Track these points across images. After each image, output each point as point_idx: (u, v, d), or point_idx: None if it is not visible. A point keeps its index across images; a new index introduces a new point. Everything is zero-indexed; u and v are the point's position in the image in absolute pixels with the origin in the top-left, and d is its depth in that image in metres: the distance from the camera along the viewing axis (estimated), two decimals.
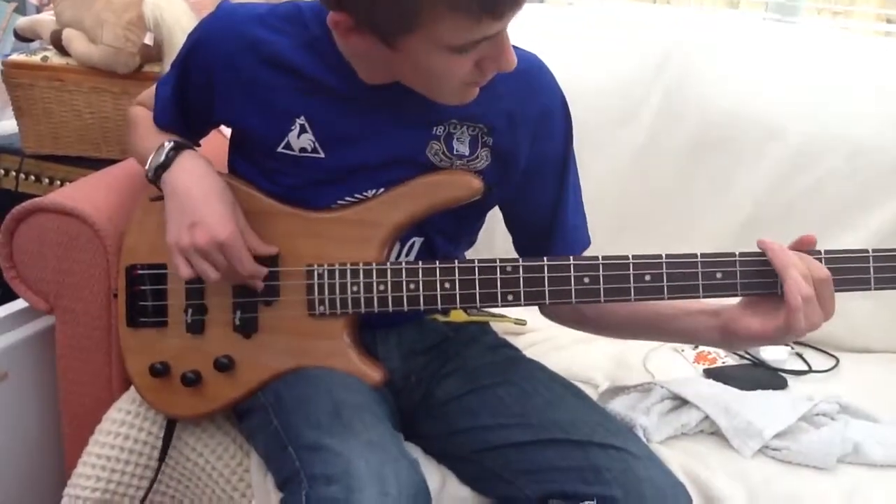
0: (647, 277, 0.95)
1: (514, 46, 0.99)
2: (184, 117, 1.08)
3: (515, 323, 1.32)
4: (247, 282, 1.01)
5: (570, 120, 1.06)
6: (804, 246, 0.94)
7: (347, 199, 1.03)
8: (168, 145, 1.02)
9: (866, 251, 0.95)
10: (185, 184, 0.99)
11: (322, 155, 1.01)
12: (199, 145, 1.12)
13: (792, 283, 0.90)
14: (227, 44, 0.99)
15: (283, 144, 1.01)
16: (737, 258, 0.95)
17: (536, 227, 1.09)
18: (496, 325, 1.22)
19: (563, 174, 1.07)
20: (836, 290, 0.93)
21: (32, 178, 1.74)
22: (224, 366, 1.03)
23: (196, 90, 1.05)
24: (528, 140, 1.03)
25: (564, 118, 1.06)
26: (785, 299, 0.90)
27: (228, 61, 0.99)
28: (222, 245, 0.97)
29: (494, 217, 1.13)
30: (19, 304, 1.31)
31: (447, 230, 1.07)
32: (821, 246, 0.97)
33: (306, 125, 1.00)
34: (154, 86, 1.12)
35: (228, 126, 1.09)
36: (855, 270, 0.95)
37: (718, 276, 0.95)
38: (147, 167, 1.02)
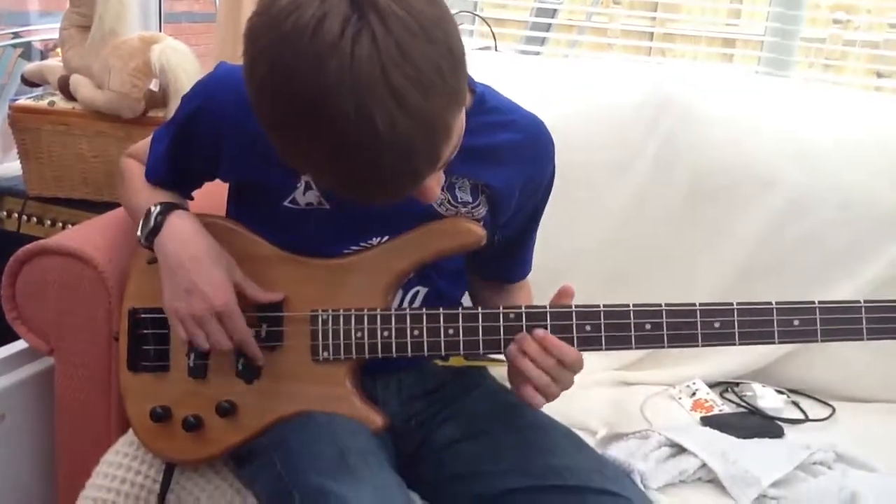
0: (648, 326, 0.97)
1: (519, 108, 1.07)
2: (179, 174, 1.09)
3: None
4: (241, 348, 1.02)
5: (554, 172, 1.12)
6: (563, 298, 0.98)
7: (353, 247, 1.04)
8: (155, 210, 1.03)
9: (858, 302, 0.96)
10: (174, 250, 1.01)
11: (328, 206, 1.02)
12: (192, 198, 1.13)
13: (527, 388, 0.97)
14: (232, 105, 0.99)
15: (289, 199, 1.02)
16: (734, 307, 0.97)
17: (492, 254, 1.11)
18: (495, 370, 1.23)
19: (533, 217, 1.14)
20: (830, 340, 0.96)
21: (35, 220, 1.75)
22: (226, 410, 1.03)
23: (199, 150, 1.05)
24: (518, 194, 1.07)
25: (552, 177, 1.12)
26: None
27: (234, 122, 0.99)
28: (218, 313, 0.99)
29: None
30: (17, 345, 1.31)
31: (451, 270, 1.09)
32: (814, 295, 0.99)
33: (311, 182, 1.01)
34: (146, 139, 1.14)
35: (233, 182, 1.10)
36: (848, 321, 0.96)
37: (717, 325, 0.97)
38: (138, 234, 1.04)
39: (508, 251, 1.15)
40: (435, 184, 0.86)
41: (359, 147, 0.74)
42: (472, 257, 1.12)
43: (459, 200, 1.03)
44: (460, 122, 0.82)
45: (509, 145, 1.03)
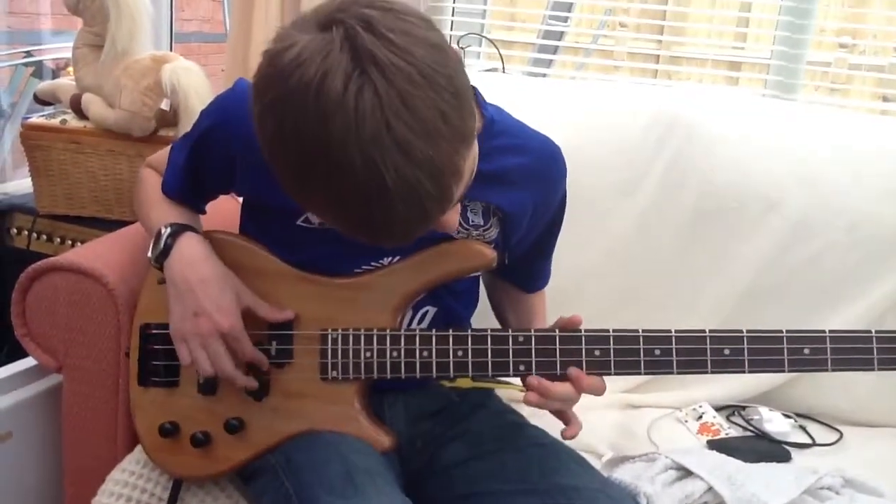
0: (657, 352, 0.97)
1: (529, 130, 1.08)
2: (195, 187, 1.11)
3: (520, 390, 1.33)
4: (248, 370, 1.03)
5: (566, 195, 1.13)
6: (572, 325, 0.99)
7: (364, 267, 1.05)
8: (165, 232, 1.04)
9: (870, 332, 0.96)
10: (182, 273, 1.02)
11: None
12: (204, 212, 1.15)
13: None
14: (247, 123, 1.00)
15: (302, 219, 1.04)
16: (744, 335, 0.97)
17: (512, 264, 1.12)
18: (501, 392, 1.23)
19: (549, 232, 1.15)
20: (840, 370, 0.95)
21: (45, 237, 1.77)
22: (234, 427, 1.03)
23: (214, 165, 1.07)
24: (531, 215, 1.08)
25: (564, 195, 1.13)
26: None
27: (248, 140, 0.99)
28: (224, 336, 1.00)
29: None
30: (25, 363, 1.32)
31: (461, 290, 1.10)
32: (820, 319, 0.99)
33: None
34: (165, 149, 1.15)
35: (247, 199, 1.11)
36: (858, 351, 0.96)
37: (726, 352, 0.97)
38: (149, 255, 1.05)
39: (525, 264, 1.16)
40: (452, 216, 0.87)
41: (369, 200, 0.76)
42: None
43: (471, 223, 1.04)
44: (472, 156, 0.83)
45: (520, 169, 1.04)
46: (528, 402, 0.98)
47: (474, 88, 1.02)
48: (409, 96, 0.73)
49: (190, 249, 1.04)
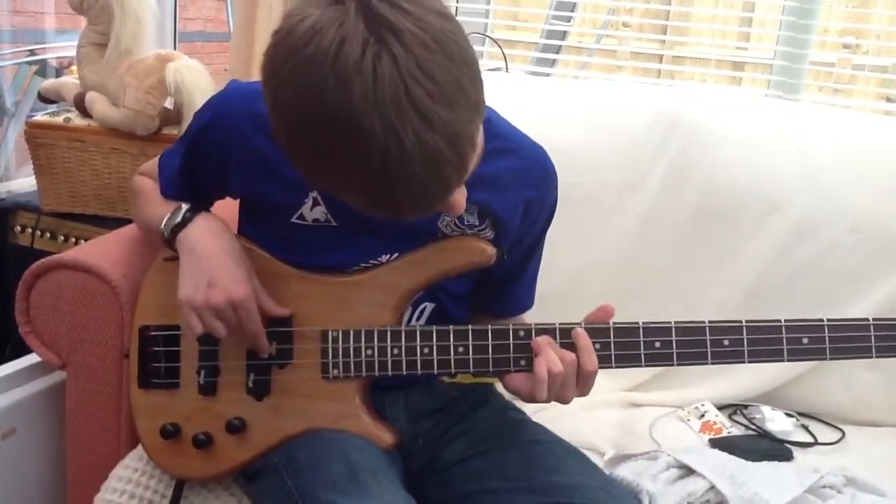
0: (657, 344, 0.98)
1: (522, 136, 1.08)
2: (192, 189, 1.11)
3: None
4: (252, 344, 1.03)
5: (556, 203, 1.12)
6: (604, 316, 0.98)
7: (362, 264, 1.05)
8: (185, 206, 1.05)
9: (867, 320, 0.97)
10: (202, 242, 1.02)
11: (335, 224, 1.03)
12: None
13: (542, 359, 0.95)
14: (240, 121, 1.01)
15: (296, 216, 1.03)
16: (743, 325, 0.98)
17: (492, 285, 1.13)
18: (503, 388, 1.23)
19: (533, 246, 1.13)
20: (839, 358, 0.96)
21: (48, 235, 1.77)
22: (236, 428, 1.03)
23: (209, 165, 1.07)
24: (521, 219, 1.08)
25: (553, 205, 1.12)
26: (534, 371, 0.95)
27: (242, 138, 1.01)
28: (236, 305, 0.99)
29: None
30: (29, 359, 1.32)
31: (458, 293, 1.10)
32: (823, 317, 0.99)
33: (319, 198, 1.02)
34: (156, 158, 1.15)
35: (242, 198, 1.11)
36: (856, 339, 0.97)
37: (726, 343, 0.98)
38: (163, 227, 1.04)
39: (506, 283, 1.14)
40: (461, 196, 0.87)
41: (388, 165, 0.75)
42: (474, 289, 1.13)
43: (466, 223, 1.04)
44: (480, 132, 0.84)
45: (510, 172, 1.04)
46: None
47: None
48: (427, 63, 0.73)
49: (210, 223, 1.04)
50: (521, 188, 1.06)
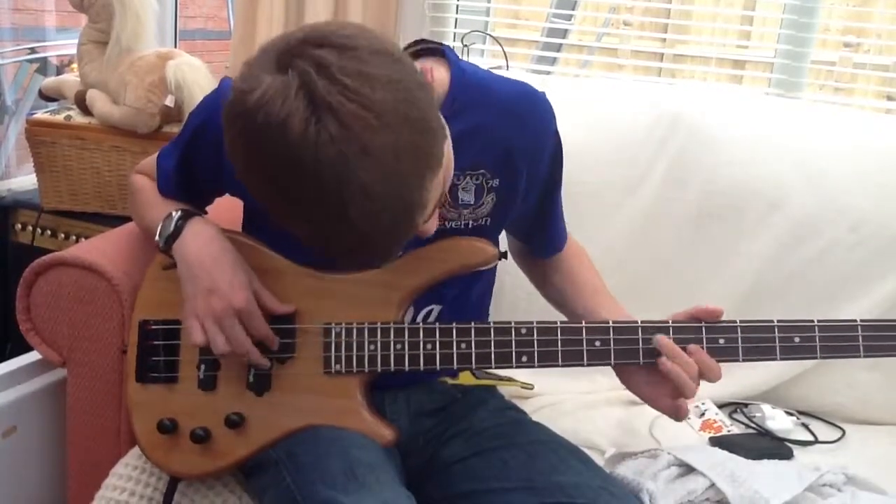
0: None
1: (503, 78, 1.08)
2: (189, 189, 1.11)
3: (523, 387, 1.32)
4: (255, 352, 1.03)
5: (559, 143, 1.11)
6: (709, 315, 1.01)
7: None
8: (176, 215, 1.05)
9: (855, 321, 1.01)
10: (197, 251, 1.02)
11: None
12: (205, 213, 1.14)
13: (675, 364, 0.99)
14: None
15: None
16: (738, 325, 1.00)
17: (524, 230, 1.19)
18: (504, 389, 1.23)
19: (546, 191, 1.13)
20: (829, 357, 1.00)
21: (49, 232, 1.78)
22: (234, 423, 1.03)
23: (205, 164, 1.07)
24: (525, 167, 1.07)
25: (554, 144, 1.11)
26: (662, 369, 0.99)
27: None
28: (238, 312, 0.99)
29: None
30: (29, 357, 1.32)
31: (464, 296, 1.10)
32: (822, 317, 1.01)
33: None
34: (153, 156, 1.15)
35: (240, 199, 1.11)
36: (845, 339, 1.00)
37: (721, 342, 1.00)
38: (157, 238, 1.05)
39: (537, 230, 1.18)
40: (430, 225, 0.90)
41: (341, 235, 0.79)
42: (510, 234, 1.18)
43: (461, 202, 1.04)
44: (445, 164, 0.85)
45: (495, 116, 1.03)
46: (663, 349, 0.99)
47: (449, 49, 1.03)
48: (367, 141, 0.74)
49: (202, 229, 1.04)
50: (497, 138, 1.04)
